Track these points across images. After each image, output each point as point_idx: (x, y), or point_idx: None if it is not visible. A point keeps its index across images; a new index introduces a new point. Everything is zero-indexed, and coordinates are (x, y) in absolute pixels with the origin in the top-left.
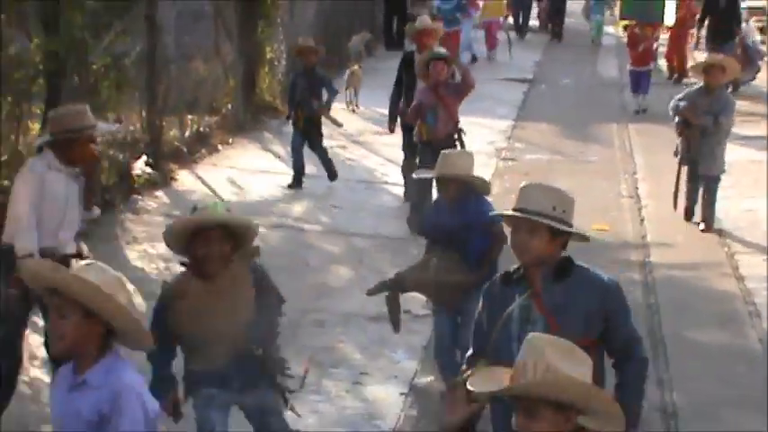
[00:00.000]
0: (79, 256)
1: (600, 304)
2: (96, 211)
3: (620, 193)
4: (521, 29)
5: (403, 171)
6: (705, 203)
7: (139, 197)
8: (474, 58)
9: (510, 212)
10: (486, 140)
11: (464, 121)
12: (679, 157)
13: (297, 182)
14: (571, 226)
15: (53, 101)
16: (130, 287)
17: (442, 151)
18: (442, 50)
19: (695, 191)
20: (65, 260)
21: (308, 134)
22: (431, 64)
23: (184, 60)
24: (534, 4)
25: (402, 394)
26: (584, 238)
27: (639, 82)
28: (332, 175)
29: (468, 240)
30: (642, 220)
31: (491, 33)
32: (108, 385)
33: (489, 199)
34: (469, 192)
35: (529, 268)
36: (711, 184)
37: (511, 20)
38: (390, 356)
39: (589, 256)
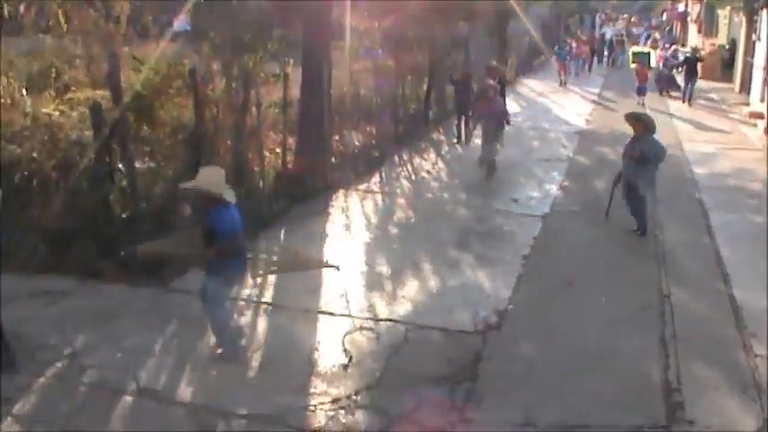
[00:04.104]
0: None
1: None
2: None
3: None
4: (600, 61)
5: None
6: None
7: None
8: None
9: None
10: (590, 98)
11: (589, 89)
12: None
13: None
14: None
15: None
16: None
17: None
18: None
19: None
20: None
21: None
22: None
23: None
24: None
25: None
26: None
27: (642, 91)
28: None
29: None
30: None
31: (590, 65)
32: None
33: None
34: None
35: None
36: None
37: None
38: None
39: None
